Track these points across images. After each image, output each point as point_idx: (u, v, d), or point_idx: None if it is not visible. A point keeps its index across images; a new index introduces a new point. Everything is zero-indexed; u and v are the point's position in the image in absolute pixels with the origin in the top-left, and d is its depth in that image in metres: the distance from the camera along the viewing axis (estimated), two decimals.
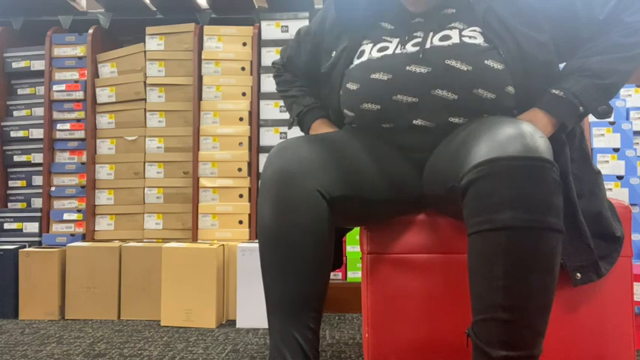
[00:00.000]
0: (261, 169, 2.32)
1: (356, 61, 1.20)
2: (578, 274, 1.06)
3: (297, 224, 1.01)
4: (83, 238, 2.37)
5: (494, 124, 0.93)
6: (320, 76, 1.30)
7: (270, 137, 2.34)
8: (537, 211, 0.85)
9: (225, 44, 2.39)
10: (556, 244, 0.87)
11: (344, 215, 1.08)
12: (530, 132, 0.89)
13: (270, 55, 2.37)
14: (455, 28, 1.11)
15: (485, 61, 1.06)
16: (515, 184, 0.85)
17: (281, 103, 2.34)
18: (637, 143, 2.29)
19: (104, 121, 2.44)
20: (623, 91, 2.32)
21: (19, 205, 2.49)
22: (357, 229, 2.23)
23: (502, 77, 1.06)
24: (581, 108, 1.06)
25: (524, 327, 0.86)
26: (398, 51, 1.13)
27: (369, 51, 1.17)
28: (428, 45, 1.11)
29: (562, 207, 0.89)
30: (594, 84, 1.05)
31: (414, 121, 1.11)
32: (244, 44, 2.39)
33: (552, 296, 0.89)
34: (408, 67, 1.10)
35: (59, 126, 2.45)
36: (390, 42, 1.16)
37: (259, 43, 2.38)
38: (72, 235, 2.37)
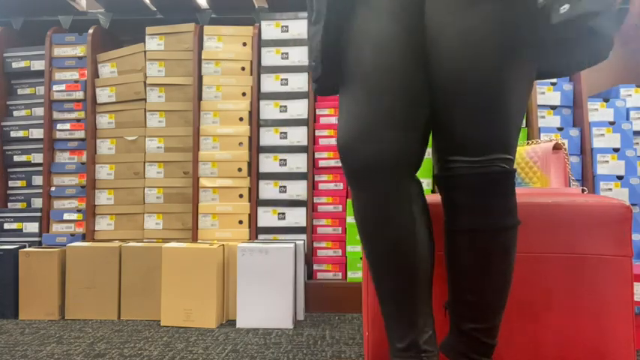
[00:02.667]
0: (261, 169, 2.32)
1: None
2: None
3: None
4: (83, 238, 2.37)
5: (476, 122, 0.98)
6: None
7: (270, 137, 2.34)
8: (496, 216, 1.00)
9: (225, 44, 2.39)
10: (511, 238, 1.02)
11: None
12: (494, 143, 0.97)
13: (270, 55, 2.37)
14: None
15: None
16: (477, 193, 0.99)
17: (281, 102, 2.34)
18: (637, 143, 2.29)
19: (104, 121, 2.45)
20: (623, 91, 2.33)
21: (19, 205, 2.49)
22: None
23: None
24: None
25: (486, 305, 1.03)
26: None
27: None
28: None
29: (516, 203, 1.02)
30: None
31: None
32: (244, 44, 2.39)
33: (509, 277, 1.04)
34: None
35: (59, 126, 2.45)
36: None
37: (259, 43, 2.38)
38: (72, 235, 2.37)
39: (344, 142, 1.01)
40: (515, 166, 1.53)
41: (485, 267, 1.01)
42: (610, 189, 2.20)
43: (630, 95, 2.32)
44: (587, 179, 2.23)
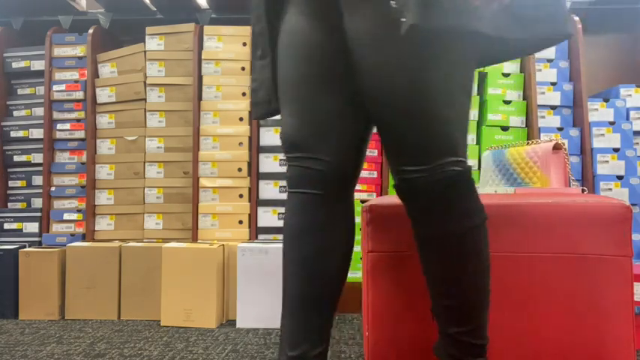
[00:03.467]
0: (261, 169, 2.32)
1: None
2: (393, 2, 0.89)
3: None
4: (83, 238, 2.37)
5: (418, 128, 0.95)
6: None
7: (270, 137, 2.34)
8: (459, 219, 0.98)
9: (225, 44, 2.39)
10: (479, 236, 1.00)
11: None
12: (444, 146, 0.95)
13: None
14: None
15: None
16: (435, 200, 0.97)
17: None
18: (637, 143, 2.29)
19: (104, 121, 2.44)
20: (623, 91, 2.32)
21: (19, 205, 2.49)
22: (357, 230, 2.23)
23: None
24: None
25: (467, 308, 1.02)
26: None
27: None
28: None
29: (478, 200, 1.00)
30: None
31: None
32: (244, 44, 2.39)
33: (486, 275, 1.02)
34: None
35: (59, 126, 2.45)
36: None
37: None
38: (72, 235, 2.37)
39: (284, 150, 1.07)
40: (515, 166, 1.54)
41: (458, 270, 1.00)
42: (610, 189, 2.20)
43: (630, 95, 2.32)
44: (587, 179, 2.23)
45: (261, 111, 1.15)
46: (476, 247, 1.00)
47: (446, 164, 0.95)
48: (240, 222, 2.31)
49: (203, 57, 2.38)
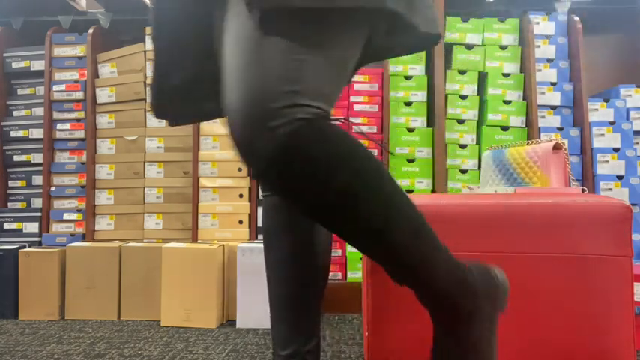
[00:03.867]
0: None
1: None
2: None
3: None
4: (83, 238, 2.37)
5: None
6: None
7: None
8: (329, 181, 0.76)
9: None
10: (366, 179, 0.78)
11: None
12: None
13: None
14: None
15: None
16: (290, 176, 0.76)
17: None
18: (637, 143, 2.29)
19: (104, 121, 2.45)
20: (623, 91, 2.33)
21: (19, 205, 2.49)
22: None
23: None
24: None
25: (405, 267, 0.84)
26: None
27: None
28: None
29: (342, 139, 0.78)
30: None
31: None
32: None
33: (402, 223, 0.81)
34: None
35: (59, 126, 2.45)
36: None
37: None
38: (72, 235, 2.37)
39: None
40: (515, 166, 1.54)
41: (360, 233, 0.80)
42: (610, 189, 2.20)
43: (630, 95, 2.32)
44: (587, 179, 2.23)
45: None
46: (370, 200, 0.78)
47: (273, 115, 0.74)
48: (240, 222, 2.31)
49: None
